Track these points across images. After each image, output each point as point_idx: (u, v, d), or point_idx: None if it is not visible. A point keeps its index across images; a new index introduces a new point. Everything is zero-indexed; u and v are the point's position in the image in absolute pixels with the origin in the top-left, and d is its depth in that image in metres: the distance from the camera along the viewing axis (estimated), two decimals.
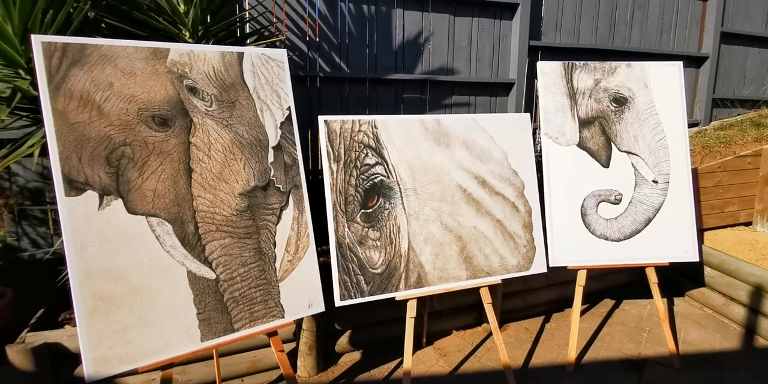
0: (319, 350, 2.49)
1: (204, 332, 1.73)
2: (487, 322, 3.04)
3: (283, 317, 1.92)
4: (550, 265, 2.54)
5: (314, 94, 3.10)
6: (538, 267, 2.49)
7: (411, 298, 2.22)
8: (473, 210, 2.37)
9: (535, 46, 3.77)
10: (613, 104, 2.65)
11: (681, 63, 2.71)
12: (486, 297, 2.37)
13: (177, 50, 1.77)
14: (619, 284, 3.58)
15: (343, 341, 2.65)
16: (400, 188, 2.24)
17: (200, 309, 1.73)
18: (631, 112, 2.66)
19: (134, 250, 1.62)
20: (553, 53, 3.85)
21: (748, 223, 4.08)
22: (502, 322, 3.09)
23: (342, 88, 3.19)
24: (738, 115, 4.95)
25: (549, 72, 2.65)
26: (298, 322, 2.45)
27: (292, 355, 2.50)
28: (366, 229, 2.17)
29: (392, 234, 2.21)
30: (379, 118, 2.24)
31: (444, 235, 2.30)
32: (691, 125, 4.66)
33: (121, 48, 1.66)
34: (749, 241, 3.63)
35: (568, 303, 3.25)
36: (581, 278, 2.57)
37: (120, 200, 1.61)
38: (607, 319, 3.18)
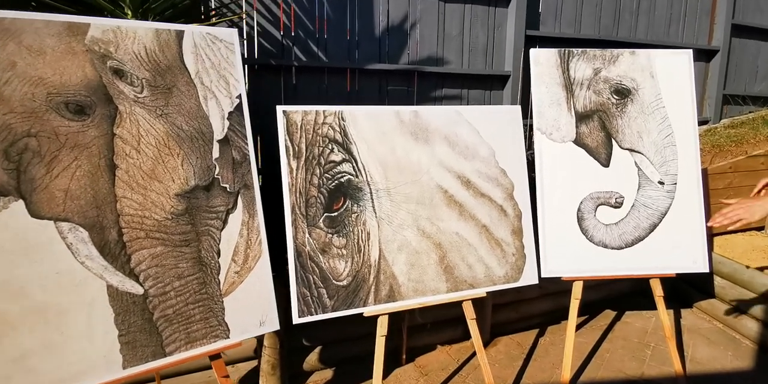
0: (283, 369, 2.23)
1: (127, 357, 1.47)
2: None
3: (228, 337, 1.66)
4: (543, 276, 2.27)
5: (289, 85, 2.84)
6: (529, 278, 2.22)
7: (382, 314, 1.95)
8: (455, 214, 2.10)
9: (533, 36, 3.49)
10: (615, 96, 2.38)
11: (690, 51, 2.43)
12: (469, 312, 2.10)
13: (99, 26, 1.51)
14: (621, 294, 3.30)
15: (312, 359, 2.38)
16: (370, 189, 1.97)
17: (123, 330, 1.47)
18: (635, 105, 2.38)
19: (38, 261, 1.36)
20: (553, 44, 3.57)
21: (761, 228, 3.79)
22: (493, 336, 2.83)
23: (320, 78, 2.92)
24: (750, 112, 4.65)
25: (543, 60, 2.38)
26: (259, 339, 2.19)
27: (254, 375, 2.24)
28: (330, 236, 1.90)
29: (361, 241, 1.94)
30: (347, 109, 1.98)
31: (421, 242, 2.03)
32: (700, 123, 4.36)
33: (27, 22, 1.40)
34: (762, 248, 3.35)
35: (565, 314, 2.96)
36: (577, 291, 2.30)
37: (21, 202, 1.35)
38: (607, 333, 2.90)
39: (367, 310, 1.93)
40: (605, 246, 2.31)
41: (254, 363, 2.24)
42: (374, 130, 2.00)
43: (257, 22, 2.72)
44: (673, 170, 2.36)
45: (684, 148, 2.37)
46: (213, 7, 2.51)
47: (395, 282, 1.98)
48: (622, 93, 2.38)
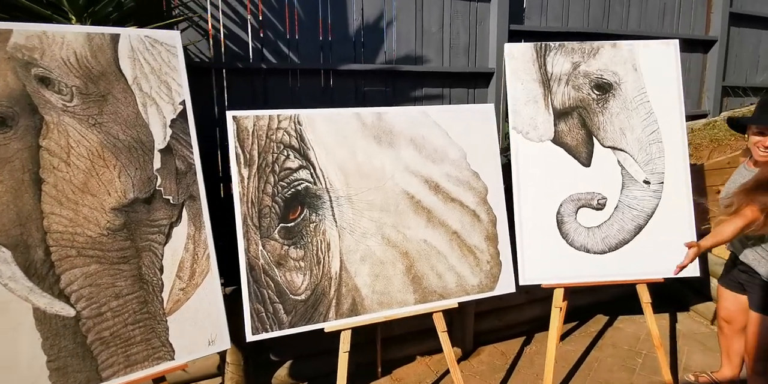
0: None
1: None
2: (459, 347, 2.66)
3: (173, 359, 1.57)
4: (521, 284, 2.15)
5: (259, 89, 2.74)
6: (505, 286, 2.10)
7: (344, 329, 1.85)
8: (423, 220, 1.99)
9: (518, 31, 3.35)
10: (595, 91, 2.24)
11: (676, 41, 2.29)
12: (440, 324, 1.99)
13: (23, 32, 1.42)
14: (614, 297, 3.15)
15: (281, 374, 2.29)
16: (330, 196, 1.87)
17: (52, 355, 1.38)
18: (617, 100, 2.24)
19: None
20: (539, 38, 3.41)
21: None
22: (477, 345, 2.70)
23: (292, 81, 2.82)
24: (751, 104, 4.46)
25: (518, 55, 2.25)
26: (222, 355, 2.10)
27: None
28: (286, 247, 1.80)
29: (320, 252, 1.84)
30: (303, 113, 1.87)
31: (386, 251, 1.92)
32: (699, 116, 4.19)
33: None
34: None
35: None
36: (558, 298, 2.17)
37: None
38: (597, 339, 2.77)
39: (329, 325, 1.83)
40: (587, 250, 2.18)
41: (218, 380, 2.15)
42: (333, 134, 1.89)
43: (223, 24, 2.62)
44: (660, 168, 2.22)
45: (671, 145, 2.23)
46: (173, 7, 2.41)
47: (358, 295, 1.87)
48: (603, 88, 2.24)
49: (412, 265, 1.95)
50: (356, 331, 1.88)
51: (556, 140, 2.21)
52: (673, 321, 2.93)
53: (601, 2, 3.66)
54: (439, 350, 2.65)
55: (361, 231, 1.89)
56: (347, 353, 1.84)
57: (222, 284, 1.98)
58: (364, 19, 2.95)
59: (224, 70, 2.65)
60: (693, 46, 4.10)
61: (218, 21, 2.61)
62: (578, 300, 2.99)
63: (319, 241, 1.84)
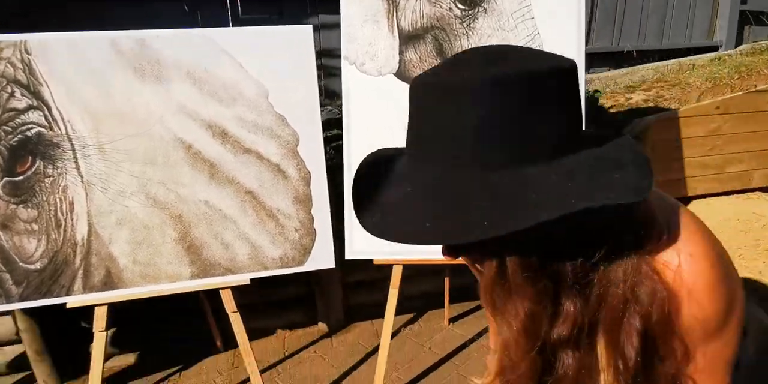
0: (55, 354, 1.94)
1: None
2: (324, 322, 2.33)
3: None
4: (348, 258, 1.73)
5: (100, 13, 2.32)
6: (322, 260, 1.69)
7: (97, 305, 1.55)
8: (204, 176, 1.59)
9: None
10: (459, 5, 1.65)
11: None
12: (229, 304, 1.63)
13: None
14: None
15: None
16: (73, 145, 1.50)
17: None
18: (489, 17, 1.64)
19: None
20: None
21: (766, 189, 2.88)
22: (350, 321, 2.35)
23: (146, 5, 2.39)
24: None
25: None
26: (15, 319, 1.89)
27: (26, 359, 1.97)
28: (13, 206, 1.48)
29: (60, 213, 1.51)
30: (34, 38, 1.47)
31: (152, 214, 1.56)
32: (708, 49, 3.32)
33: None
34: (749, 216, 2.52)
35: (457, 296, 2.40)
36: (396, 278, 1.75)
37: None
38: None
39: (73, 300, 1.53)
40: None
41: (22, 347, 1.96)
42: (76, 66, 1.49)
43: None
44: None
45: None
46: None
47: (114, 265, 1.55)
48: (471, 0, 1.65)
49: (187, 232, 1.59)
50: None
51: (402, 74, 1.68)
52: None
53: None
54: (302, 324, 2.34)
55: (117, 188, 1.53)
56: (103, 332, 1.55)
57: None
58: None
59: None
60: None
61: None
62: None
63: (58, 200, 1.50)
